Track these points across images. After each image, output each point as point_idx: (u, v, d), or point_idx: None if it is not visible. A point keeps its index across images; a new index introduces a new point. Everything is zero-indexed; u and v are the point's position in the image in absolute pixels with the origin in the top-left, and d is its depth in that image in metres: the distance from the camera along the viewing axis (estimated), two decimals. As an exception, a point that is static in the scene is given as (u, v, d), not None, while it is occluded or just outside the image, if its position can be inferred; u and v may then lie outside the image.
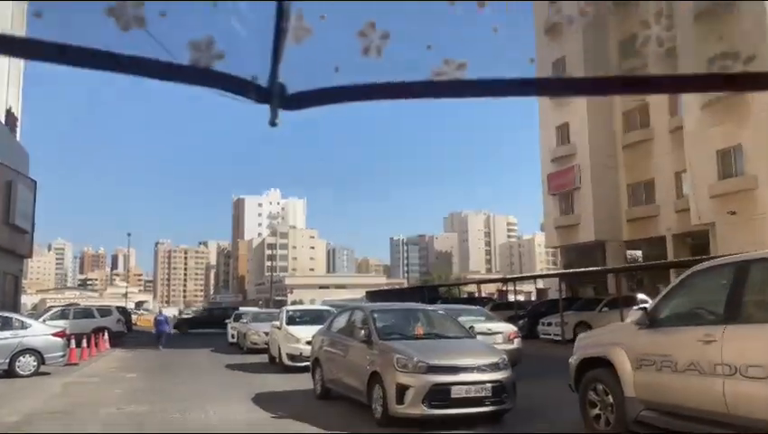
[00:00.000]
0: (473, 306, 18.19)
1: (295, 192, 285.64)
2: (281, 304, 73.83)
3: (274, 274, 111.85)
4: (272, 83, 1.17)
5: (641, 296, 27.75)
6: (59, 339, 16.58)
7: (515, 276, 48.04)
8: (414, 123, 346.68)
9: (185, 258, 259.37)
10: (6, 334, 15.67)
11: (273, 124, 1.19)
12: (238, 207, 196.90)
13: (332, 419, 9.32)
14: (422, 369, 8.26)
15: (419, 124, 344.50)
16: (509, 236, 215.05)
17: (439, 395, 8.14)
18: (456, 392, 8.18)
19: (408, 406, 8.16)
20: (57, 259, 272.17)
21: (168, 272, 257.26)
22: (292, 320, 17.72)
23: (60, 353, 16.48)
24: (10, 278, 30.47)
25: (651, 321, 6.64)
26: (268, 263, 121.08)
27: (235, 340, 26.58)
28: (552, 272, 46.05)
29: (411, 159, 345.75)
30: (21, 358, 15.66)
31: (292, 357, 15.89)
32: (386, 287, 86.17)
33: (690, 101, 29.51)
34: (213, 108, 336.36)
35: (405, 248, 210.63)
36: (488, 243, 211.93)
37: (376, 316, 10.05)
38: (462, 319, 11.80)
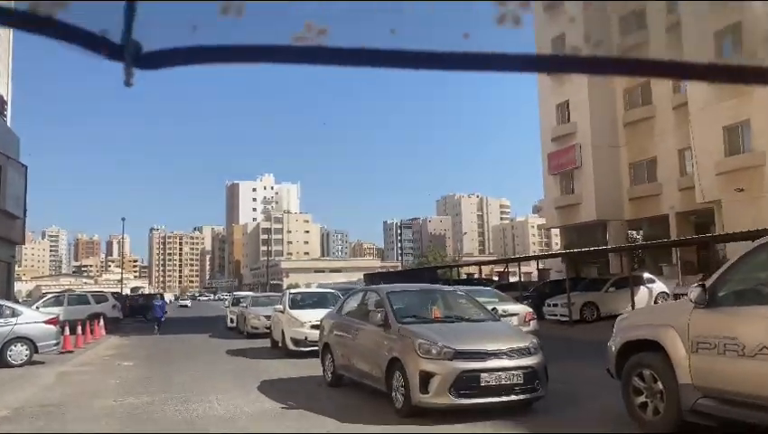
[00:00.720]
0: (485, 288, 17.58)
1: (288, 176, 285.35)
2: (277, 288, 73.63)
3: (269, 258, 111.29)
4: (126, 40, 1.07)
5: (647, 275, 27.27)
6: (52, 326, 15.88)
7: (519, 256, 47.55)
8: (409, 114, 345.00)
9: (180, 243, 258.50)
10: (-3, 322, 15.00)
11: (128, 84, 1.09)
12: (233, 192, 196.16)
13: (348, 410, 8.64)
14: (448, 355, 7.60)
15: (414, 113, 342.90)
16: (502, 218, 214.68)
17: (467, 383, 7.49)
18: (486, 380, 7.52)
19: (434, 395, 7.51)
20: (51, 246, 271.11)
21: (163, 258, 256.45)
22: (295, 303, 17.10)
23: (54, 341, 15.78)
24: (2, 265, 29.92)
25: (710, 300, 5.97)
26: (263, 248, 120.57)
27: (234, 324, 26.20)
28: (556, 252, 45.61)
29: (404, 145, 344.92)
30: (12, 347, 14.98)
31: (296, 342, 15.29)
32: (381, 270, 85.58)
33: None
34: (203, 96, 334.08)
35: (399, 231, 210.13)
36: (481, 225, 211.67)
37: (392, 297, 9.37)
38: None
